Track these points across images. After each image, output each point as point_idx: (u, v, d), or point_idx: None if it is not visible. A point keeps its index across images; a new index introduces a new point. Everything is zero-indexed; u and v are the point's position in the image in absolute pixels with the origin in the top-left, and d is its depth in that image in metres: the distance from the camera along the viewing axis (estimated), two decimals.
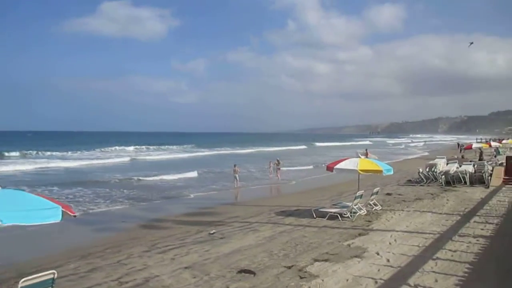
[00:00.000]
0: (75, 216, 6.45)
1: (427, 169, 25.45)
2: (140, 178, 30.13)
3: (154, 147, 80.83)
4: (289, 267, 9.20)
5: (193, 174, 32.92)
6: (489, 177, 23.29)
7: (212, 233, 13.16)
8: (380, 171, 14.74)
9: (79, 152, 63.16)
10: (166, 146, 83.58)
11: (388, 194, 20.35)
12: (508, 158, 26.36)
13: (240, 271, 9.04)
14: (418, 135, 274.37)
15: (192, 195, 23.34)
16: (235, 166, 27.99)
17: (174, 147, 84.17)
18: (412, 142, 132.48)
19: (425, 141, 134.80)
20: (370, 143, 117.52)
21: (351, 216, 14.46)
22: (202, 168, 36.83)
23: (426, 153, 64.95)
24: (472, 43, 75.77)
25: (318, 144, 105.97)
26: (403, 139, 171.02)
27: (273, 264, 9.51)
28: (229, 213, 17.35)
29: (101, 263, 10.33)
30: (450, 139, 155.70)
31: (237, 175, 27.43)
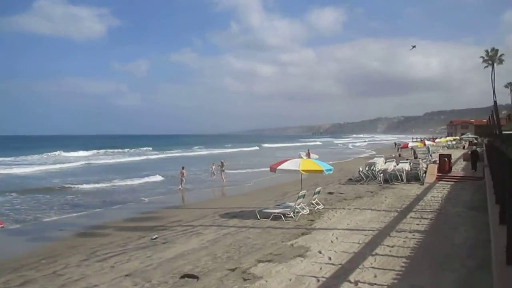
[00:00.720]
0: (2, 227, 6.05)
1: (367, 168, 26.40)
2: (79, 186, 28.46)
3: (105, 150, 77.08)
4: (233, 270, 9.15)
5: (156, 178, 32.01)
6: (424, 175, 24.52)
7: (155, 238, 12.86)
8: (321, 171, 15.09)
9: (16, 157, 59.32)
10: (117, 150, 80.00)
11: (330, 193, 20.89)
12: (441, 156, 27.93)
13: (183, 276, 8.88)
14: (361, 135, 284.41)
15: (146, 199, 22.76)
16: (183, 168, 27.68)
17: (126, 150, 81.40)
18: (357, 142, 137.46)
19: (365, 140, 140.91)
20: (320, 143, 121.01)
21: (294, 216, 14.67)
22: (161, 172, 35.62)
23: (374, 152, 66.75)
24: (414, 46, 78.97)
25: (266, 145, 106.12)
26: (348, 139, 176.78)
27: (217, 267, 9.42)
28: (172, 217, 17.06)
29: (35, 275, 9.79)
30: (391, 138, 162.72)
31: (183, 178, 27.23)
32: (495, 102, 10.08)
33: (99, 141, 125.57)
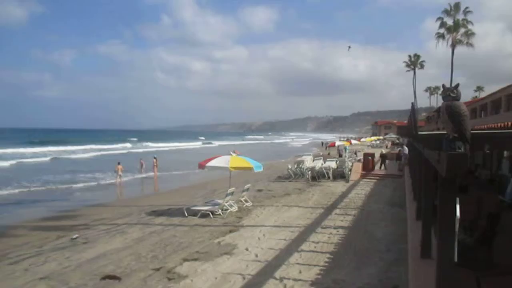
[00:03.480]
0: None
1: (295, 166, 27.04)
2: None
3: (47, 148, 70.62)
4: (158, 269, 8.94)
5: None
6: (349, 172, 25.56)
7: (75, 238, 12.25)
8: (250, 168, 15.18)
9: None
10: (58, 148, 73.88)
11: (259, 190, 21.13)
12: (365, 154, 29.24)
13: (104, 278, 8.53)
14: (292, 133, 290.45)
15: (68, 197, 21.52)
16: (119, 163, 27.56)
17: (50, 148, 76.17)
18: (293, 140, 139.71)
19: (292, 139, 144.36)
20: (267, 141, 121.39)
21: (222, 213, 14.65)
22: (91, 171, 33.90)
23: (321, 151, 67.39)
24: (350, 47, 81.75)
25: (215, 142, 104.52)
26: (287, 138, 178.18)
27: (141, 268, 9.16)
28: (95, 215, 16.35)
29: None
30: (325, 137, 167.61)
31: (120, 173, 27.47)
32: (412, 104, 10.71)
33: (25, 136, 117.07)
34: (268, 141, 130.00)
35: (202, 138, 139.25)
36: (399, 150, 32.25)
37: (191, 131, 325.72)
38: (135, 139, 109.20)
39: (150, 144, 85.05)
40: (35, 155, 52.39)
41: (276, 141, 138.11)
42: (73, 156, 53.10)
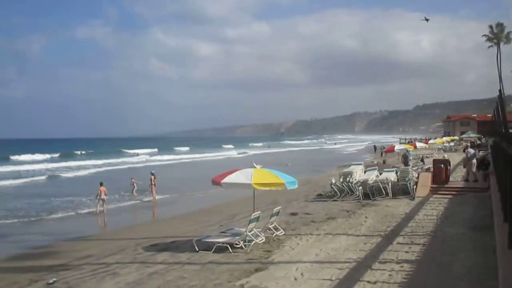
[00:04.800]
0: None
1: (341, 180, 26.81)
2: None
3: None
4: None
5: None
6: (414, 186, 25.17)
7: (52, 283, 12.39)
8: (282, 185, 15.05)
9: None
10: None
11: (293, 214, 21.03)
12: (435, 161, 28.75)
13: None
14: (335, 136, 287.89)
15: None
16: (101, 185, 27.38)
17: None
18: (337, 144, 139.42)
19: (335, 143, 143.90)
20: (302, 148, 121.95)
21: (245, 246, 14.58)
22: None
23: (374, 159, 68.20)
24: (427, 19, 78.47)
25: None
26: (329, 142, 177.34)
27: None
28: (78, 252, 16.58)
29: None
30: (383, 139, 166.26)
31: (104, 197, 27.03)
32: (500, 92, 10.38)
33: None
34: (304, 148, 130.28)
35: (230, 146, 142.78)
36: (482, 154, 31.63)
37: (199, 137, 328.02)
38: (144, 150, 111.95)
39: (165, 156, 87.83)
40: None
41: (314, 147, 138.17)
42: (67, 174, 54.32)
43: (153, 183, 31.06)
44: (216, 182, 15.49)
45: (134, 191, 32.58)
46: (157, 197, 30.85)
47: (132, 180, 33.53)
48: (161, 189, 32.00)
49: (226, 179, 15.26)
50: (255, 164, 15.79)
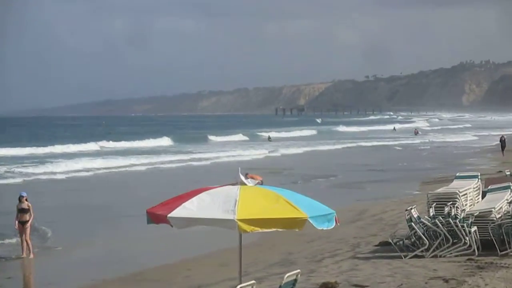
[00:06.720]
0: None
1: (432, 212, 15.08)
2: None
3: None
4: None
5: None
6: None
7: None
8: (302, 221, 6.75)
9: None
10: None
11: (327, 286, 11.59)
12: None
13: None
14: (424, 113, 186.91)
15: None
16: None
17: None
18: (418, 135, 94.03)
19: (416, 130, 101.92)
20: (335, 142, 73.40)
21: None
22: None
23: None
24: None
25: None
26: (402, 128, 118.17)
27: None
28: None
29: None
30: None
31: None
32: None
33: None
34: (361, 140, 78.90)
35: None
36: None
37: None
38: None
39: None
40: None
41: (381, 139, 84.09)
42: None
43: (24, 218, 17.45)
44: (156, 217, 7.37)
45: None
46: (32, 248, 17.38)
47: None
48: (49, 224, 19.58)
49: (179, 211, 7.10)
50: (242, 177, 7.48)
